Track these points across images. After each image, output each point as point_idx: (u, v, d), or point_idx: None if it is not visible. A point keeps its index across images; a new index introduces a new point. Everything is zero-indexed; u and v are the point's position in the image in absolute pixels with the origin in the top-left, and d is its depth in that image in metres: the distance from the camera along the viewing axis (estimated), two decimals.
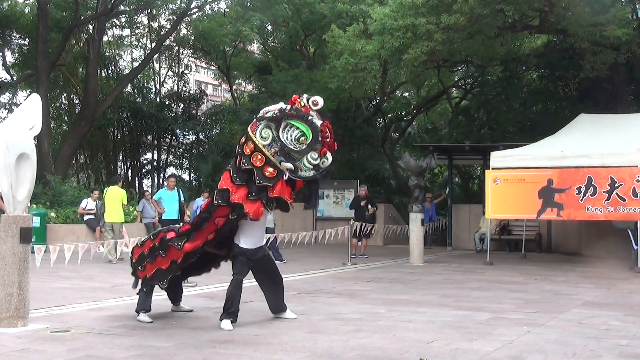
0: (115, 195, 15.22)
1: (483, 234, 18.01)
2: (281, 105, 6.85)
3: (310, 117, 6.74)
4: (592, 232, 16.79)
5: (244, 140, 6.79)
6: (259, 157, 6.64)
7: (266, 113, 6.81)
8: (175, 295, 8.01)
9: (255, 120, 6.85)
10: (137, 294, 7.59)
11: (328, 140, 6.80)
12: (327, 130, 6.79)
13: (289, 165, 6.62)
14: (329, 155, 6.81)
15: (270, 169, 6.65)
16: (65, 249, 13.65)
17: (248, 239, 7.20)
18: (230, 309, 7.08)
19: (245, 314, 7.60)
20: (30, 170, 7.15)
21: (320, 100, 6.88)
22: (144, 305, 7.48)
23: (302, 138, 6.69)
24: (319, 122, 6.74)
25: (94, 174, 30.16)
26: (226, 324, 7.00)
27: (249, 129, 6.80)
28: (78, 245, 14.03)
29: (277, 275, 7.58)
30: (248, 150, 6.69)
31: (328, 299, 9.30)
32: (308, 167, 6.72)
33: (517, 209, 15.01)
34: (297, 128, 6.70)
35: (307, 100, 6.85)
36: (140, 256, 7.48)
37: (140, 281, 7.53)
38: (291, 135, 6.68)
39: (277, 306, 7.64)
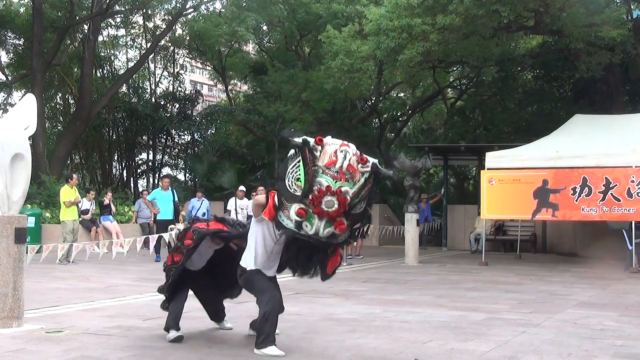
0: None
1: (478, 235, 18.02)
2: (310, 141, 5.46)
3: (317, 170, 5.38)
4: (587, 233, 16.82)
5: None
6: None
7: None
8: (217, 313, 7.05)
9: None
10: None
11: (325, 209, 5.33)
12: (326, 194, 5.31)
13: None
14: (314, 220, 5.37)
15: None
16: (58, 248, 13.70)
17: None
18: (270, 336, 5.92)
19: (241, 314, 7.59)
20: (25, 171, 7.13)
21: (370, 160, 5.54)
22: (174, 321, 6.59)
23: (298, 183, 5.44)
24: (323, 182, 5.33)
25: (89, 175, 30.10)
26: (273, 350, 5.83)
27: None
28: (73, 245, 14.11)
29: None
30: None
31: (323, 300, 9.30)
32: (290, 217, 5.44)
33: (512, 209, 15.05)
34: (299, 171, 5.45)
35: (349, 157, 5.45)
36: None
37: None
38: (293, 174, 5.48)
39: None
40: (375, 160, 5.58)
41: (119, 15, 27.78)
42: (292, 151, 5.56)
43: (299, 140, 5.45)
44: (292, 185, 5.44)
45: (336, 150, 5.43)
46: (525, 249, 17.63)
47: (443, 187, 21.78)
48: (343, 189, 5.34)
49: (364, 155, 5.52)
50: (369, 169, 5.46)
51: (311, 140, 5.45)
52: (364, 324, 7.37)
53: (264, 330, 5.84)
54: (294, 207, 5.39)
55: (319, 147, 5.45)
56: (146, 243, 14.85)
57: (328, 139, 5.58)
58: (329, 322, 7.47)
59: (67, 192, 14.73)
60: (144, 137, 30.26)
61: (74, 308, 8.38)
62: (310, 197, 5.33)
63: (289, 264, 6.16)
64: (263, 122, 25.48)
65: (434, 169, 27.11)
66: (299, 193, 5.39)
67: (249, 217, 14.59)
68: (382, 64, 17.66)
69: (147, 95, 30.73)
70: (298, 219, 5.38)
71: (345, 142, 5.56)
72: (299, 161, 5.44)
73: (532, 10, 16.14)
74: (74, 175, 15.52)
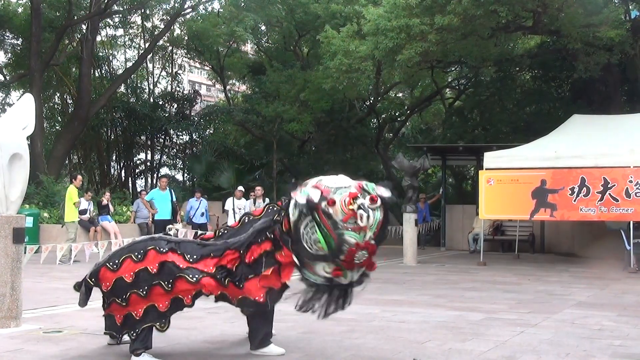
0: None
1: (476, 235, 18.02)
2: (317, 194, 5.17)
3: (342, 230, 5.10)
4: (586, 233, 16.83)
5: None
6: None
7: (304, 192, 5.23)
8: None
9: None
10: (121, 339, 5.68)
11: (358, 262, 5.24)
12: (357, 252, 5.15)
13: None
14: (349, 274, 5.35)
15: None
16: (57, 249, 13.69)
17: None
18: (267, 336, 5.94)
19: (239, 314, 7.57)
20: (23, 171, 7.13)
21: (384, 194, 5.31)
22: (143, 342, 5.52)
23: (319, 244, 5.20)
24: (351, 240, 5.10)
25: (88, 174, 30.05)
26: (272, 348, 5.91)
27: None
28: (71, 245, 14.10)
29: None
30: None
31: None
32: (317, 273, 5.42)
33: (510, 209, 15.04)
34: (316, 233, 5.19)
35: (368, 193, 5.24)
36: (117, 284, 5.46)
37: (120, 322, 5.56)
38: (309, 235, 5.23)
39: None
40: (383, 192, 5.33)
41: (117, 15, 27.76)
42: (293, 207, 5.26)
43: (303, 201, 5.16)
44: (313, 247, 5.23)
45: (345, 202, 5.14)
46: (524, 249, 17.63)
47: (441, 187, 21.78)
48: (369, 239, 5.19)
49: (374, 194, 5.24)
50: (378, 204, 5.24)
51: (316, 198, 5.13)
52: (362, 324, 7.37)
53: (260, 330, 5.88)
54: (323, 266, 5.30)
55: (324, 204, 5.18)
56: None
57: (327, 181, 5.30)
58: (327, 322, 7.43)
59: (74, 193, 14.77)
60: (142, 137, 30.24)
61: (72, 308, 8.35)
62: (342, 257, 5.16)
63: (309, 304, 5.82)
64: (261, 122, 25.48)
65: (432, 169, 27.12)
66: (323, 253, 5.21)
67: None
68: (381, 64, 17.66)
69: (145, 95, 30.71)
70: (335, 278, 5.32)
71: (344, 182, 5.29)
72: (311, 221, 5.19)
73: (531, 11, 16.15)
74: (79, 176, 15.57)
